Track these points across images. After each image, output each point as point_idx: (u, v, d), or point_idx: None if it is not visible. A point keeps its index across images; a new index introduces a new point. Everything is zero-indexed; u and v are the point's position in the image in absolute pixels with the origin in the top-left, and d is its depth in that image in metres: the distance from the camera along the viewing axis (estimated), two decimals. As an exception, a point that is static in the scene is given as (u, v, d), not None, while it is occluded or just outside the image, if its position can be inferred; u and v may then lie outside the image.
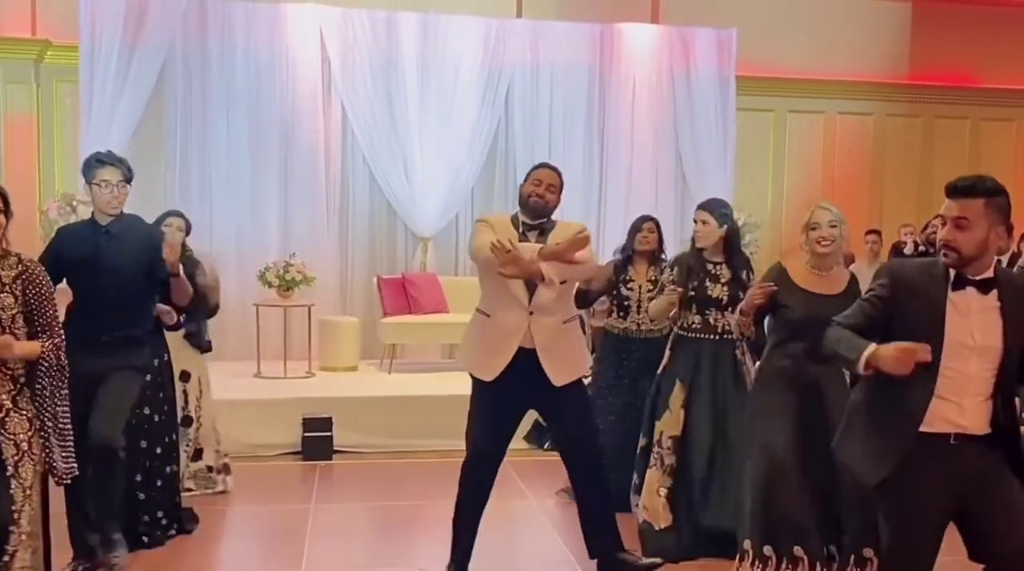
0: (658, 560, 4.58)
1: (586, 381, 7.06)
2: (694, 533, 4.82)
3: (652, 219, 6.05)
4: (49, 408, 3.50)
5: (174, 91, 9.15)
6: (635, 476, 5.19)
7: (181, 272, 4.67)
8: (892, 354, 2.86)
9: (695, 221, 5.07)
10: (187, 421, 5.65)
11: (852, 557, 4.07)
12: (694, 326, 4.99)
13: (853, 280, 4.26)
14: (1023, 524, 3.03)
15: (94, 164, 4.43)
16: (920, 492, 3.02)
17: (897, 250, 9.10)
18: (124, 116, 8.87)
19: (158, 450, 5.03)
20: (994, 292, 3.00)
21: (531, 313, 4.21)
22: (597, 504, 4.50)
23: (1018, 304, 3.01)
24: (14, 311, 3.45)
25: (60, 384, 3.55)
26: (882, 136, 11.14)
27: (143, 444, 4.93)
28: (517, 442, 7.09)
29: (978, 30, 10.79)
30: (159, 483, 5.02)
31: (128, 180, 4.45)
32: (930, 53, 10.83)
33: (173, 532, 5.07)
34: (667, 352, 5.16)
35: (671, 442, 4.92)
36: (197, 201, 9.21)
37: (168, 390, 5.16)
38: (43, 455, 3.49)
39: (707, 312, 4.97)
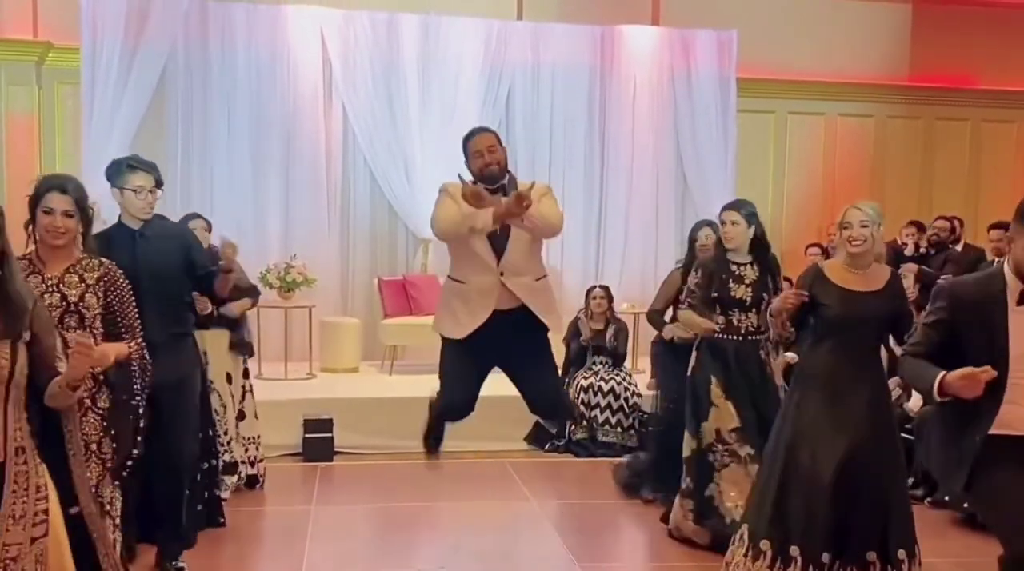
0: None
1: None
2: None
3: (710, 224, 5.84)
4: (129, 406, 3.54)
5: (175, 93, 9.15)
6: (687, 481, 5.09)
7: (235, 268, 4.75)
8: (958, 381, 2.90)
9: (723, 222, 5.01)
10: (241, 415, 5.90)
11: (856, 560, 4.03)
12: (719, 327, 4.99)
13: (894, 277, 4.24)
14: None
15: (125, 170, 4.39)
16: (1007, 474, 3.03)
17: (896, 251, 9.09)
18: (125, 118, 8.86)
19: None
20: None
21: (501, 274, 4.33)
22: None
23: None
24: (96, 311, 3.47)
25: (145, 383, 3.57)
26: (882, 137, 11.13)
27: None
28: (518, 443, 7.14)
29: (978, 31, 10.78)
30: (197, 478, 5.10)
31: (160, 185, 4.46)
32: (930, 55, 10.82)
33: (221, 522, 5.26)
34: (694, 353, 5.14)
35: (735, 435, 4.91)
36: (198, 202, 9.19)
37: (202, 386, 5.23)
38: (112, 454, 3.50)
39: (730, 313, 4.98)
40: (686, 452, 5.09)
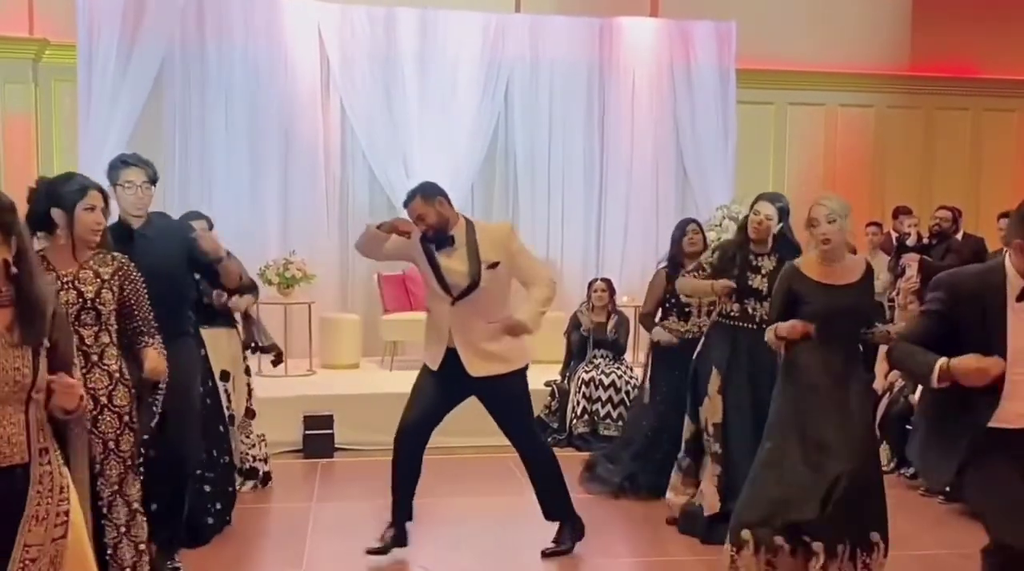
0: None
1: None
2: None
3: (694, 221, 6.10)
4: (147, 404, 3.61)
5: (172, 89, 9.12)
6: (685, 459, 5.22)
7: (226, 256, 4.67)
8: (969, 369, 2.86)
9: (756, 212, 5.03)
10: (231, 420, 5.77)
11: (858, 545, 4.03)
12: (732, 314, 5.01)
13: (869, 269, 4.26)
14: None
15: (118, 165, 4.37)
16: (1001, 465, 3.00)
17: (899, 242, 9.05)
18: (123, 115, 8.84)
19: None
20: None
21: (452, 305, 4.59)
22: (554, 480, 4.84)
23: None
24: (112, 307, 3.44)
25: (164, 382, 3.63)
26: (883, 128, 11.10)
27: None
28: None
29: (979, 21, 10.73)
30: (218, 473, 5.15)
31: (153, 181, 4.41)
32: (931, 44, 10.77)
33: (229, 519, 5.24)
34: (703, 338, 5.20)
35: (714, 429, 4.99)
36: (197, 199, 9.17)
37: (209, 383, 5.23)
38: (131, 450, 3.49)
39: (746, 301, 4.98)
40: (686, 435, 5.22)
